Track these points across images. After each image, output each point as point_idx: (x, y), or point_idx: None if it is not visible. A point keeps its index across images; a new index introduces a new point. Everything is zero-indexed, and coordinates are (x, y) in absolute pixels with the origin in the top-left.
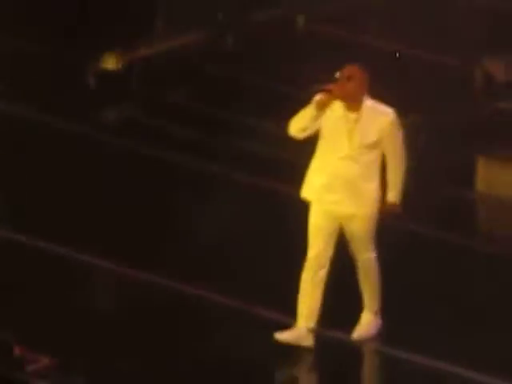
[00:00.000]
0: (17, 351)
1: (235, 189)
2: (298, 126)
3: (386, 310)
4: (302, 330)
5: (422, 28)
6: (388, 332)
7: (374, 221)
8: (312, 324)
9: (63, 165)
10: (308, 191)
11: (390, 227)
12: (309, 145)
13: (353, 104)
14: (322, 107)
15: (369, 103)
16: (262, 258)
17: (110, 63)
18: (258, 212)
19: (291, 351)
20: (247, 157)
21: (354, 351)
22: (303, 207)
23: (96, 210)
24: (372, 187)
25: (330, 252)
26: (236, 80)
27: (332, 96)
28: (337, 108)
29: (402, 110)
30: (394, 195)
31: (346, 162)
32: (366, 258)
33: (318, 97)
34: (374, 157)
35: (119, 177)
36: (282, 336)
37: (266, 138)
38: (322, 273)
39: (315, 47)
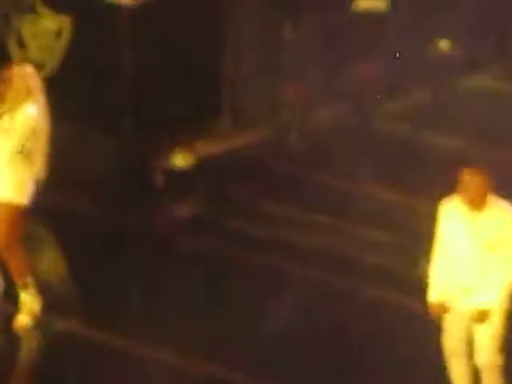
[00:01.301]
0: None
1: (308, 286)
2: None
3: None
4: None
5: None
6: None
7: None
8: None
9: (134, 260)
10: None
11: None
12: None
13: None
14: None
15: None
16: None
17: (178, 161)
18: (333, 310)
19: None
20: (316, 254)
21: None
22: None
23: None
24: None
25: None
26: (300, 177)
27: None
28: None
29: None
30: None
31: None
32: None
33: None
34: None
35: (189, 273)
36: None
37: (335, 235)
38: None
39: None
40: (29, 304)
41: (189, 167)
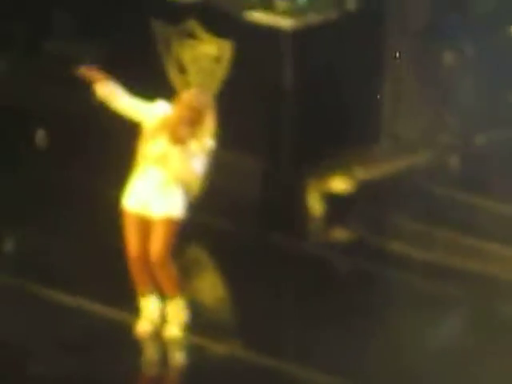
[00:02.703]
0: None
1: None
2: None
3: None
4: None
5: None
6: None
7: None
8: None
9: (293, 284)
10: None
11: None
12: None
13: None
14: None
15: None
16: None
17: (339, 185)
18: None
19: None
20: (478, 278)
21: None
22: None
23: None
24: None
25: None
26: (460, 201)
27: None
28: None
29: None
30: None
31: None
32: None
33: None
34: None
35: (348, 298)
36: None
37: (492, 258)
38: None
39: None
40: (178, 315)
41: (349, 192)
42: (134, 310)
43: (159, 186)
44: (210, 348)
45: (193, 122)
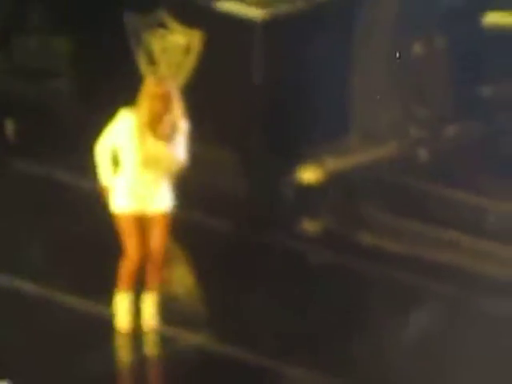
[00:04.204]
0: None
1: (440, 302)
2: None
3: None
4: None
5: None
6: None
7: None
8: None
9: (264, 275)
10: None
11: None
12: None
13: None
14: None
15: None
16: None
17: (308, 176)
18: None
19: None
20: (446, 269)
21: None
22: None
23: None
24: None
25: None
26: (429, 192)
27: None
28: None
29: None
30: None
31: None
32: None
33: None
34: None
35: (319, 288)
36: None
37: (464, 250)
38: None
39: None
40: (152, 308)
41: (318, 182)
42: (108, 303)
43: (152, 184)
44: (183, 339)
45: (166, 109)
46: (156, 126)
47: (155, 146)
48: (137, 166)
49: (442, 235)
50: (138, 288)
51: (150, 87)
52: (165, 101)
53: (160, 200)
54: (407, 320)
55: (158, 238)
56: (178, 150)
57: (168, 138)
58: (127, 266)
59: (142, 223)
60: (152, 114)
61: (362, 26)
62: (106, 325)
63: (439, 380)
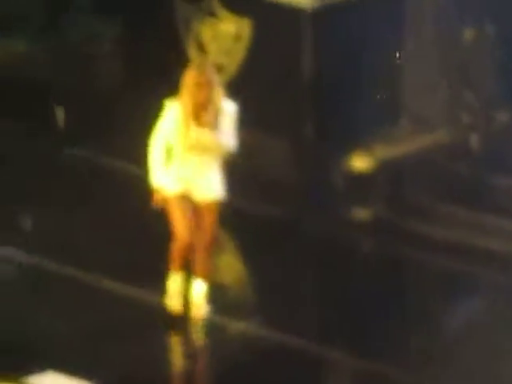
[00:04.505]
0: None
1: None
2: None
3: None
4: None
5: None
6: None
7: None
8: None
9: (313, 263)
10: None
11: None
12: None
13: None
14: None
15: None
16: None
17: (359, 163)
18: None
19: None
20: (495, 256)
21: None
22: None
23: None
24: None
25: None
26: (480, 180)
27: None
28: None
29: None
30: None
31: None
32: None
33: None
34: None
35: (368, 276)
36: None
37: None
38: None
39: None
40: (202, 295)
41: (368, 170)
42: (158, 290)
43: (201, 171)
44: (231, 327)
45: (209, 97)
46: (200, 114)
47: (200, 134)
48: (184, 153)
49: (494, 223)
50: (189, 275)
51: (191, 77)
52: (207, 89)
53: (209, 188)
54: (458, 309)
55: (206, 225)
56: (226, 136)
57: (212, 125)
58: (177, 249)
59: (192, 208)
60: (195, 102)
61: (412, 13)
62: (155, 312)
63: (488, 369)
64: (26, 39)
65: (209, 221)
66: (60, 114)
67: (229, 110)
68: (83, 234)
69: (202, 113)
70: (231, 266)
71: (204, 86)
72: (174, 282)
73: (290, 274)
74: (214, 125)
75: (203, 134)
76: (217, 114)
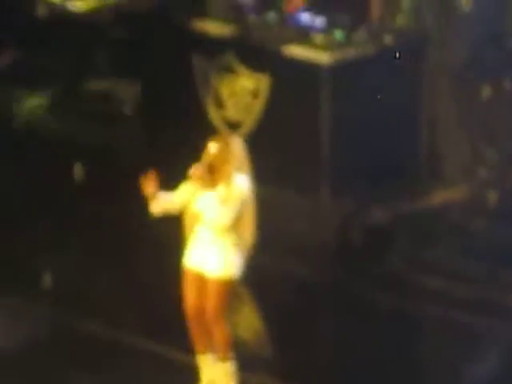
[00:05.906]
0: None
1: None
2: None
3: None
4: None
5: None
6: None
7: None
8: None
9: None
10: None
11: None
12: None
13: None
14: None
15: None
16: None
17: (377, 218)
18: None
19: None
20: None
21: None
22: None
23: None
24: None
25: None
26: (497, 236)
27: None
28: None
29: None
30: None
31: None
32: None
33: None
34: None
35: (385, 330)
36: None
37: None
38: None
39: None
40: (226, 378)
41: (388, 224)
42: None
43: (213, 245)
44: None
45: (213, 168)
46: (203, 178)
47: (207, 200)
48: (196, 226)
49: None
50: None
51: (213, 147)
52: (225, 163)
53: (220, 264)
54: (473, 364)
55: (212, 300)
56: (245, 227)
57: (223, 200)
58: (188, 323)
59: (201, 282)
60: (210, 173)
61: (431, 68)
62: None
63: None
64: (49, 97)
65: (216, 295)
66: (78, 170)
67: (242, 183)
68: (104, 288)
69: (203, 175)
70: (251, 323)
71: (224, 160)
72: (203, 363)
73: (308, 329)
74: (215, 187)
75: (209, 199)
76: (229, 191)
